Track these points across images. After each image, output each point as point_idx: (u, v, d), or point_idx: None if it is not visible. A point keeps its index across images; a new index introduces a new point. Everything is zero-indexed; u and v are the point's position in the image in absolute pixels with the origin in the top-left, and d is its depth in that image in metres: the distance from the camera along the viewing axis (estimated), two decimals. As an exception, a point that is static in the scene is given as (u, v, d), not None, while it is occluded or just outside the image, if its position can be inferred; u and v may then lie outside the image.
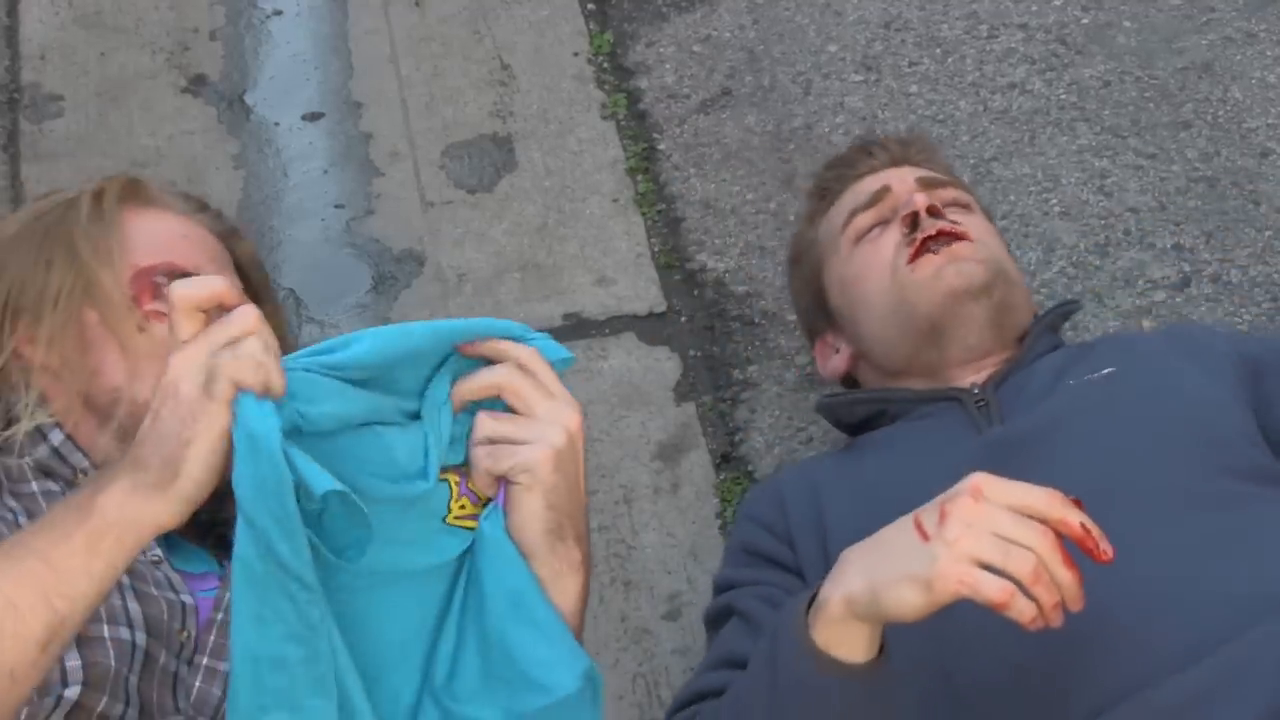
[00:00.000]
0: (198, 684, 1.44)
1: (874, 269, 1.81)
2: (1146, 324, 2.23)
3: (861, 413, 1.84)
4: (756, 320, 2.34)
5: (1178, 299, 2.26)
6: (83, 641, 1.35)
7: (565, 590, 1.33)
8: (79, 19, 2.84)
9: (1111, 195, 2.41)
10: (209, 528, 1.66)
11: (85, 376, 1.53)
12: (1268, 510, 1.51)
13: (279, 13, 2.89)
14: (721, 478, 2.18)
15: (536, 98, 2.70)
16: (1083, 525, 1.24)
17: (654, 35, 2.79)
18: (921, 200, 1.79)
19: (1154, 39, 2.63)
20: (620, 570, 2.09)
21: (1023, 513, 1.24)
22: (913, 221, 1.78)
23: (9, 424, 1.52)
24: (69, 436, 1.52)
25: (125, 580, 1.42)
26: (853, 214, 1.87)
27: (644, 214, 2.52)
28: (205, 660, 1.45)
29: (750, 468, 2.19)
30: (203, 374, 1.16)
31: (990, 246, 1.81)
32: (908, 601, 1.26)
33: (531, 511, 1.32)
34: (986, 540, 1.23)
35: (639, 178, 2.56)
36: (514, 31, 2.81)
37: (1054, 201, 2.41)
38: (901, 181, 1.87)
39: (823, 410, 1.90)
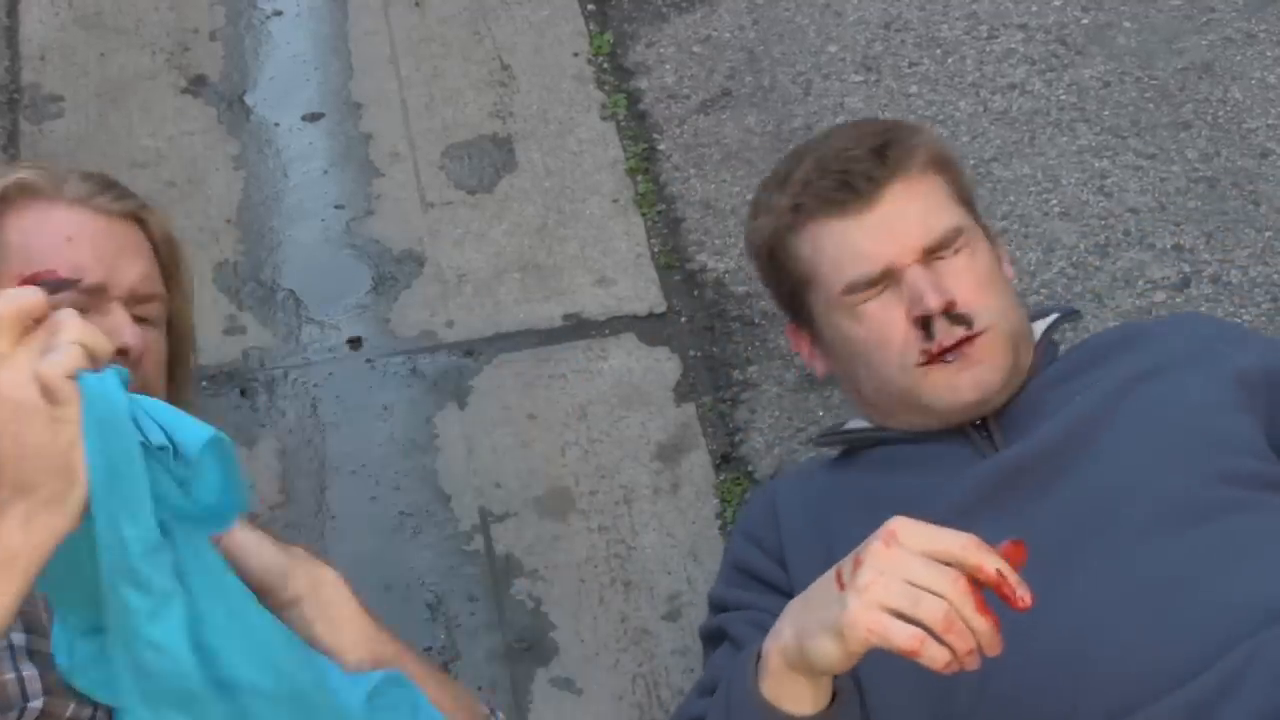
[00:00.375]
0: None
1: (881, 348, 1.66)
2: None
3: (860, 442, 1.76)
4: (756, 320, 2.34)
5: (1178, 299, 2.26)
6: (34, 654, 1.35)
7: None
8: (79, 19, 2.84)
9: (1111, 196, 2.41)
10: None
11: None
12: (1268, 518, 1.51)
13: (279, 13, 2.89)
14: (721, 478, 2.18)
15: (536, 98, 2.70)
16: (998, 571, 1.21)
17: (654, 36, 2.79)
18: (935, 303, 1.61)
19: (1154, 39, 2.63)
20: (620, 571, 2.09)
21: (937, 558, 1.22)
22: (925, 324, 1.63)
23: None
24: None
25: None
26: (853, 287, 1.67)
27: (644, 214, 2.52)
28: None
29: (750, 468, 2.19)
30: (35, 383, 1.11)
31: (1002, 316, 1.66)
32: (827, 652, 1.25)
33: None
34: (897, 587, 1.21)
35: (639, 178, 2.56)
36: (514, 32, 2.81)
37: (1054, 202, 2.41)
38: (904, 254, 1.64)
39: (823, 445, 1.83)
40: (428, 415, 2.27)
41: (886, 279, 1.65)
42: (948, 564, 1.22)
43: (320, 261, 2.50)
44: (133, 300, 1.57)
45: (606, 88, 2.71)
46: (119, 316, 1.54)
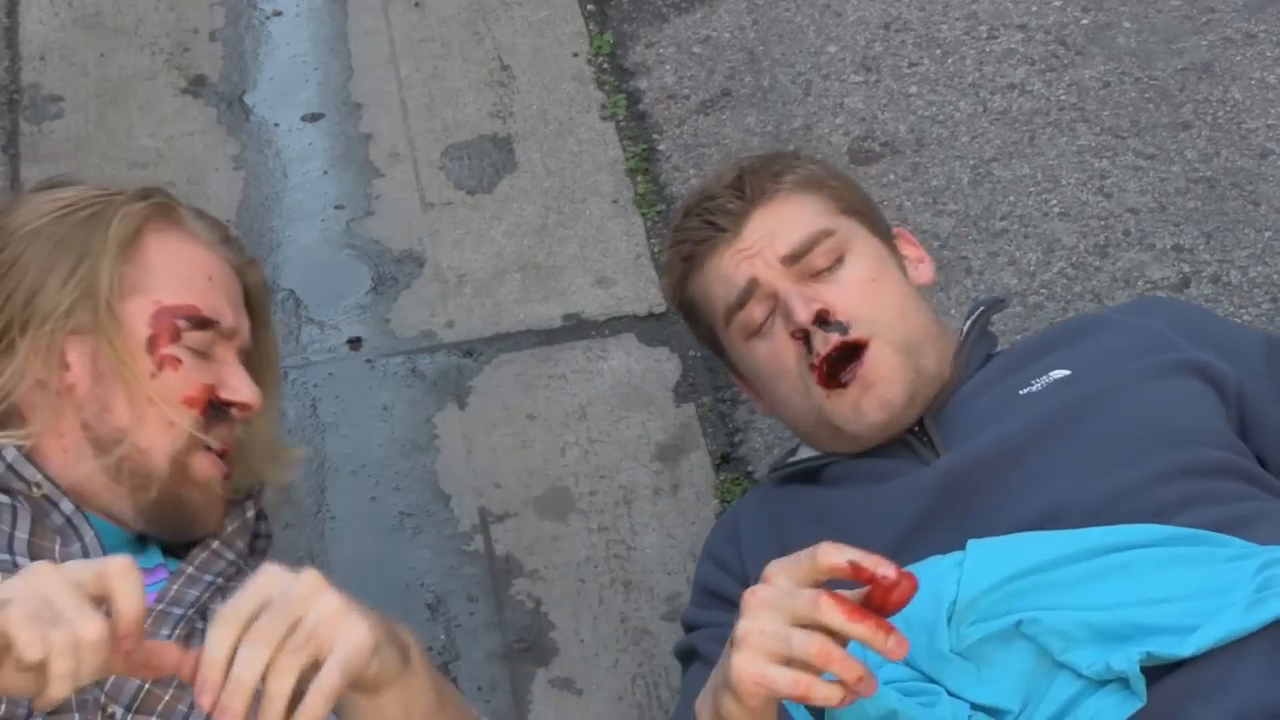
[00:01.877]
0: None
1: (783, 377, 1.68)
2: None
3: (808, 468, 1.76)
4: (756, 321, 2.34)
5: (1178, 300, 2.26)
6: None
7: None
8: (79, 20, 2.84)
9: (1111, 196, 2.41)
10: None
11: (92, 408, 1.52)
12: (1231, 507, 1.50)
13: (279, 14, 2.89)
14: (721, 478, 2.18)
15: (536, 98, 2.70)
16: (851, 563, 1.16)
17: (654, 36, 2.79)
18: (804, 315, 1.61)
19: (1154, 40, 2.63)
20: (620, 571, 2.09)
21: (801, 584, 1.18)
22: (804, 337, 1.63)
23: None
24: (21, 450, 1.50)
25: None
26: (730, 312, 1.70)
27: (644, 215, 2.52)
28: None
29: (750, 468, 2.19)
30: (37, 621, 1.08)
31: (888, 326, 1.65)
32: (732, 711, 1.23)
33: None
34: (772, 629, 1.17)
35: (639, 178, 2.56)
36: (514, 32, 2.81)
37: (1054, 202, 2.41)
38: (766, 267, 1.66)
39: (771, 478, 1.82)
40: (427, 415, 2.27)
41: (755, 295, 1.67)
42: (815, 585, 1.18)
43: (320, 262, 2.50)
44: (242, 353, 1.60)
45: (606, 88, 2.71)
46: (241, 374, 1.58)
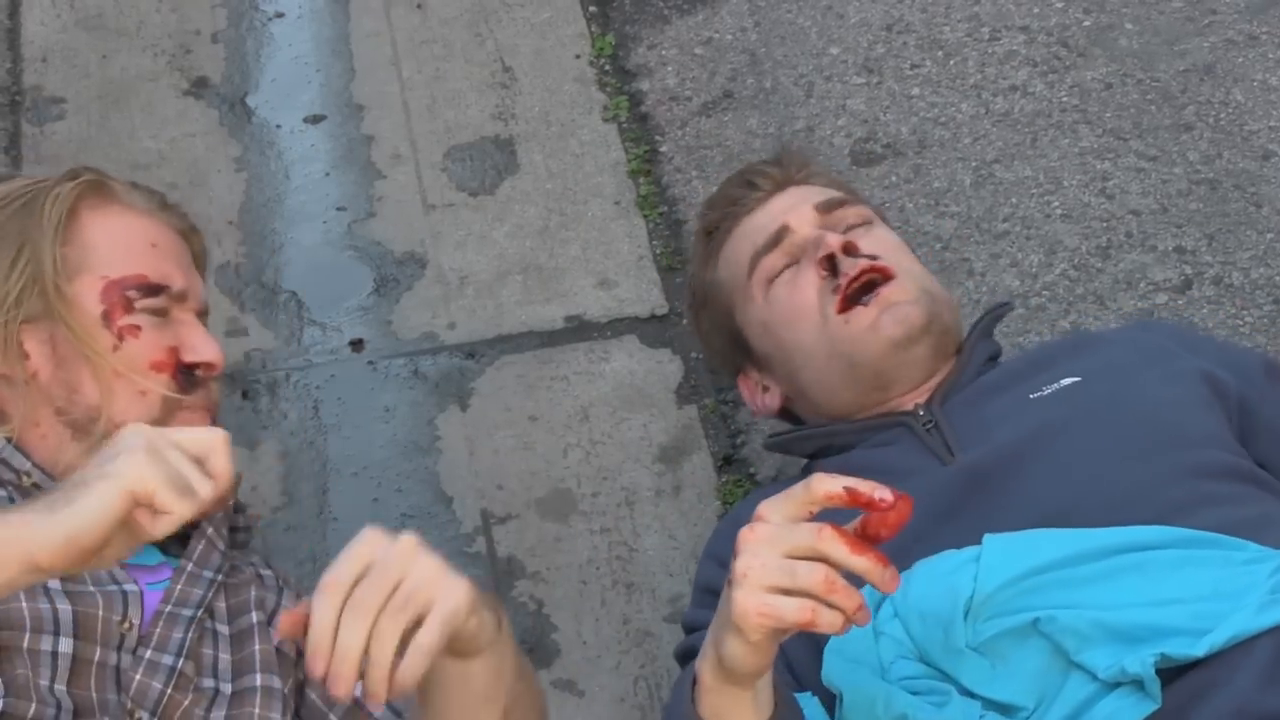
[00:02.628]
0: (138, 677, 1.43)
1: (800, 316, 1.72)
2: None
3: (811, 446, 1.79)
4: (758, 322, 2.34)
5: (1179, 301, 2.26)
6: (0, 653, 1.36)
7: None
8: (80, 21, 2.84)
9: (1113, 198, 2.41)
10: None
11: (60, 391, 1.52)
12: (1243, 510, 1.50)
13: (280, 15, 2.89)
14: (723, 480, 2.18)
15: (538, 100, 2.70)
16: (846, 489, 1.19)
17: (655, 38, 2.79)
18: (834, 241, 1.68)
19: (1156, 41, 2.63)
20: (622, 573, 2.09)
21: (797, 518, 1.21)
22: (830, 264, 1.69)
23: None
24: (10, 441, 1.50)
25: (55, 584, 1.41)
26: (756, 257, 1.76)
27: (646, 216, 2.52)
28: (148, 653, 1.45)
29: (752, 470, 2.19)
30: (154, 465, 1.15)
31: (913, 272, 1.73)
32: (735, 651, 1.25)
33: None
34: (772, 563, 1.20)
35: (641, 180, 2.56)
36: (515, 34, 2.81)
37: (1055, 204, 2.41)
38: (799, 215, 1.75)
39: (772, 448, 1.87)
40: (429, 417, 2.28)
41: (785, 240, 1.73)
42: (810, 518, 1.21)
43: (322, 263, 2.50)
44: (200, 313, 1.61)
45: (608, 90, 2.72)
46: (201, 332, 1.59)
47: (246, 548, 1.69)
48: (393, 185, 2.59)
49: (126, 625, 1.44)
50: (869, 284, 1.68)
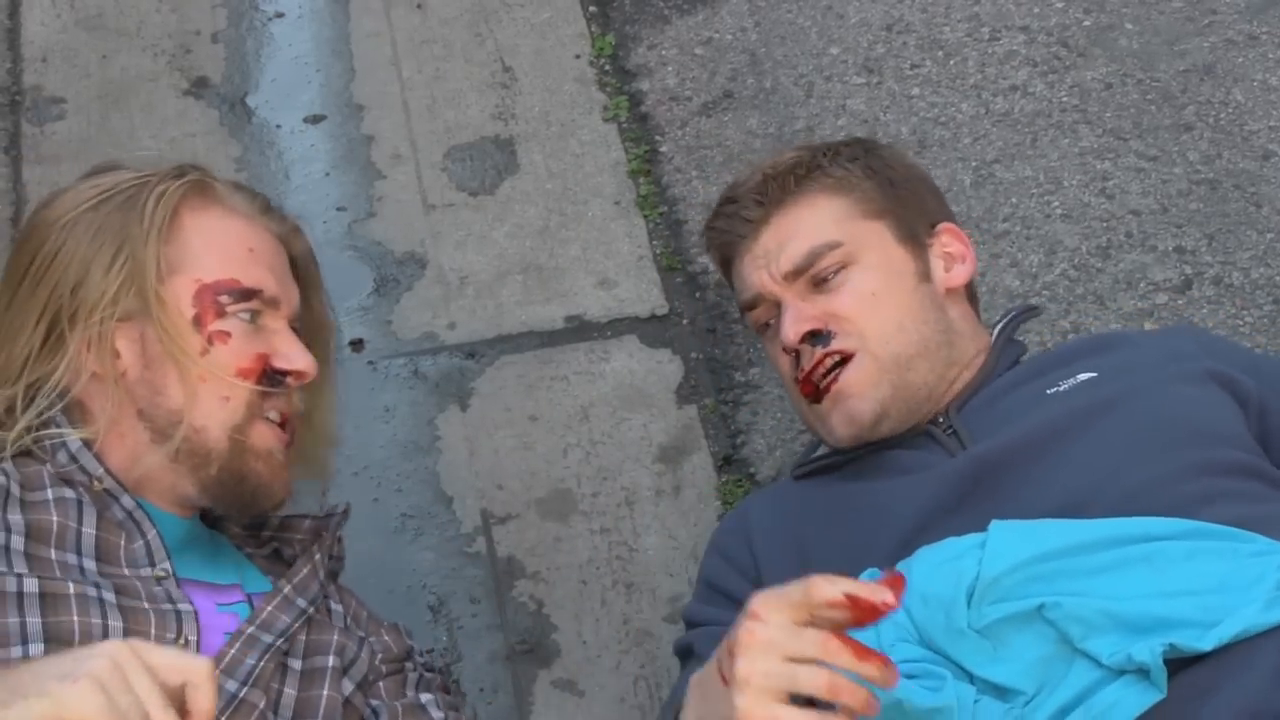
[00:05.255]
0: None
1: (785, 381, 1.79)
2: (1148, 325, 2.23)
3: (837, 468, 1.79)
4: (758, 322, 2.34)
5: (1179, 301, 2.26)
6: None
7: None
8: (81, 21, 2.84)
9: (1113, 198, 2.41)
10: (268, 540, 1.66)
11: (144, 393, 1.50)
12: (1249, 507, 1.51)
13: (280, 15, 2.89)
14: (723, 480, 2.18)
15: (538, 100, 2.70)
16: (846, 596, 1.20)
17: (656, 38, 2.79)
18: (793, 335, 1.69)
19: (1156, 41, 2.64)
20: (622, 573, 2.09)
21: (796, 620, 1.21)
22: (795, 354, 1.72)
23: (43, 426, 1.48)
24: (85, 443, 1.49)
25: (110, 598, 1.40)
26: (743, 311, 1.82)
27: (646, 216, 2.52)
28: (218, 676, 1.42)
29: (752, 470, 2.19)
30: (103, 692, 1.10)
31: (881, 334, 1.69)
32: None
33: None
34: (775, 669, 1.20)
35: (641, 180, 2.56)
36: (516, 34, 2.81)
37: (1056, 204, 2.41)
38: (771, 280, 1.75)
39: (801, 477, 1.83)
40: (429, 417, 2.28)
41: (767, 308, 1.76)
42: (808, 622, 1.21)
43: (322, 263, 2.46)
44: (294, 321, 1.59)
45: (608, 90, 2.72)
46: (293, 342, 1.57)
47: (338, 577, 1.68)
48: (393, 185, 2.59)
49: (182, 641, 1.42)
50: (834, 365, 1.69)
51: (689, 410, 2.27)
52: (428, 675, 1.65)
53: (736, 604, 1.67)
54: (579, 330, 2.37)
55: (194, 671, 1.13)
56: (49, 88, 2.73)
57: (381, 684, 1.59)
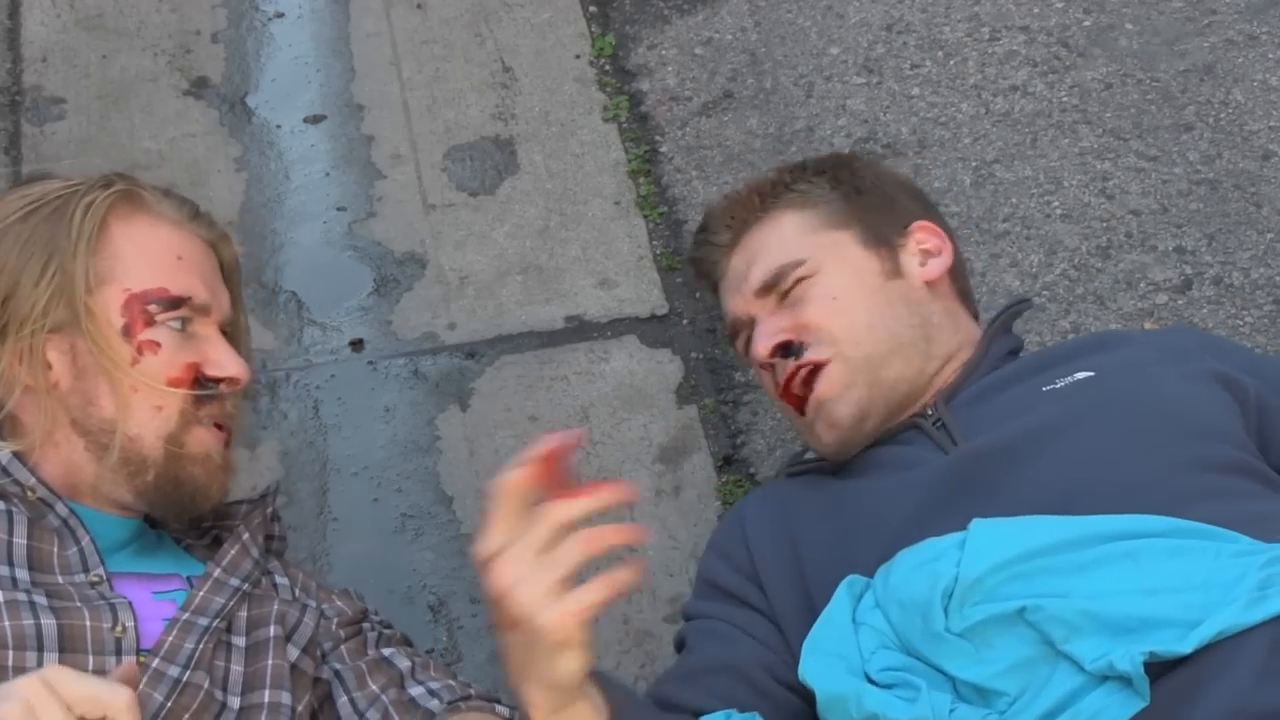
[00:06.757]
0: (140, 687, 1.40)
1: (771, 396, 1.81)
2: (1148, 324, 2.23)
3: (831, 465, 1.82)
4: (758, 323, 2.34)
5: (1179, 301, 2.26)
6: None
7: None
8: (80, 21, 2.84)
9: (1113, 198, 2.41)
10: (208, 530, 1.66)
11: (77, 403, 1.51)
12: (1241, 504, 1.51)
13: (280, 15, 2.89)
14: (723, 480, 2.18)
15: (538, 100, 2.70)
16: (533, 462, 1.25)
17: (656, 38, 2.79)
18: (763, 350, 1.73)
19: (1156, 41, 2.64)
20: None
21: (511, 531, 1.25)
22: (770, 369, 1.77)
23: None
24: (18, 455, 1.50)
25: (42, 601, 1.40)
26: (730, 341, 1.88)
27: (646, 216, 2.52)
28: (155, 662, 1.42)
29: (752, 470, 2.19)
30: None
31: (852, 336, 1.72)
32: (572, 664, 1.28)
33: None
34: (535, 574, 1.25)
35: (641, 180, 2.56)
36: (516, 34, 2.81)
37: (1056, 204, 2.41)
38: (744, 300, 1.80)
39: (795, 475, 1.86)
40: (430, 417, 2.28)
41: (747, 330, 1.81)
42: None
43: (322, 263, 2.50)
44: (224, 325, 1.60)
45: (608, 90, 2.72)
46: (224, 348, 1.58)
47: (282, 556, 1.68)
48: (393, 185, 2.59)
49: (120, 629, 1.43)
50: (810, 374, 1.72)
51: (689, 410, 2.27)
52: (386, 632, 1.66)
53: (735, 601, 1.69)
54: (579, 330, 2.37)
55: (112, 705, 1.15)
56: (49, 88, 2.73)
57: (343, 647, 1.60)
